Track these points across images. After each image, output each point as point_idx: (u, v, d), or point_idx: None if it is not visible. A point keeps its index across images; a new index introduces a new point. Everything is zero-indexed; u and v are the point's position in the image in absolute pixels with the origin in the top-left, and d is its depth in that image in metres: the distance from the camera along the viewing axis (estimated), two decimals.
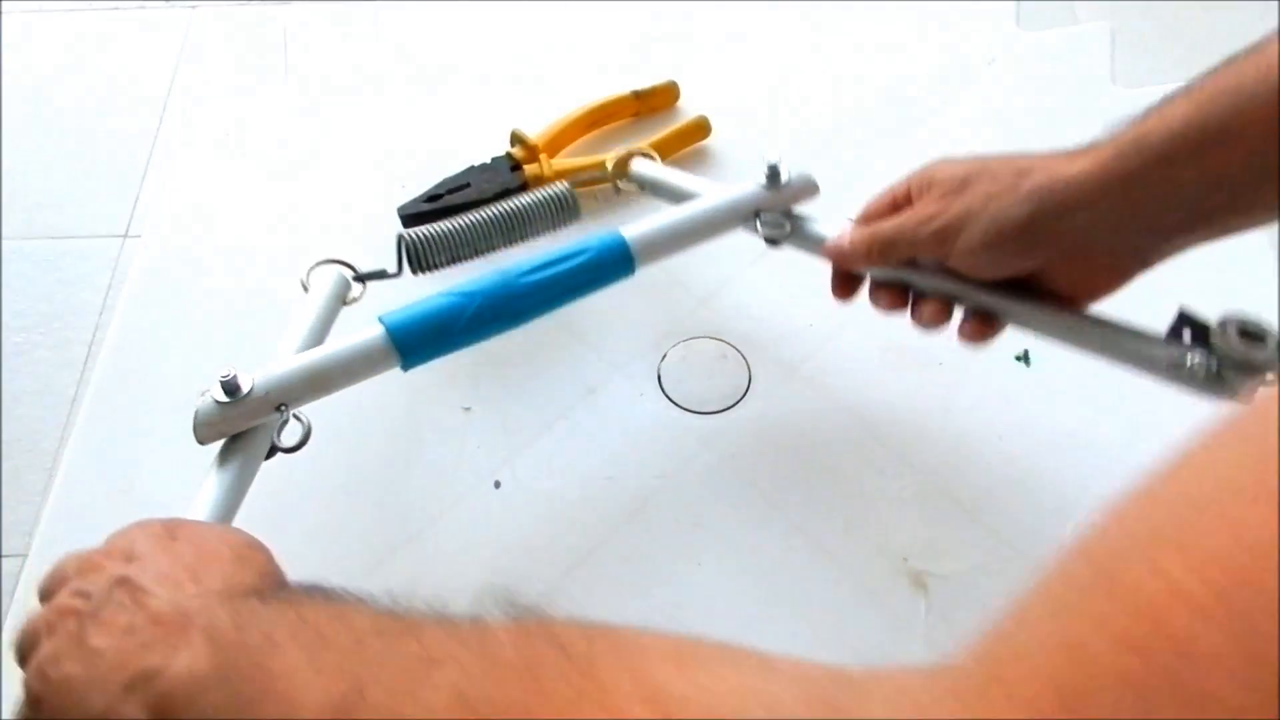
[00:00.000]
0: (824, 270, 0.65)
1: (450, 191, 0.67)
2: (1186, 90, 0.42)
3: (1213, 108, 0.40)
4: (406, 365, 0.50)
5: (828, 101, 0.76)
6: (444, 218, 0.68)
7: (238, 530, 0.41)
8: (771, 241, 0.57)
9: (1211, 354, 0.45)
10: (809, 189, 0.58)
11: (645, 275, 0.67)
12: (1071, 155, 0.45)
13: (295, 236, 0.69)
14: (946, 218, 0.49)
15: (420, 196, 0.67)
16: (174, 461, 0.58)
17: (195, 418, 0.45)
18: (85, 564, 0.36)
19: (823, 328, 0.63)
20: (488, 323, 0.51)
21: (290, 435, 0.47)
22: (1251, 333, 0.45)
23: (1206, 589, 0.15)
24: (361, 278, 0.58)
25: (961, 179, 0.49)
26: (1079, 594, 0.16)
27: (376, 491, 0.57)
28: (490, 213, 0.61)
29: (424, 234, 0.59)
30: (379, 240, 0.67)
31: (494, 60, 0.79)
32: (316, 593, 0.32)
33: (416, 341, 0.49)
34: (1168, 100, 0.43)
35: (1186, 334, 0.47)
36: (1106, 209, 0.44)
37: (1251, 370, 0.45)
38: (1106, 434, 0.58)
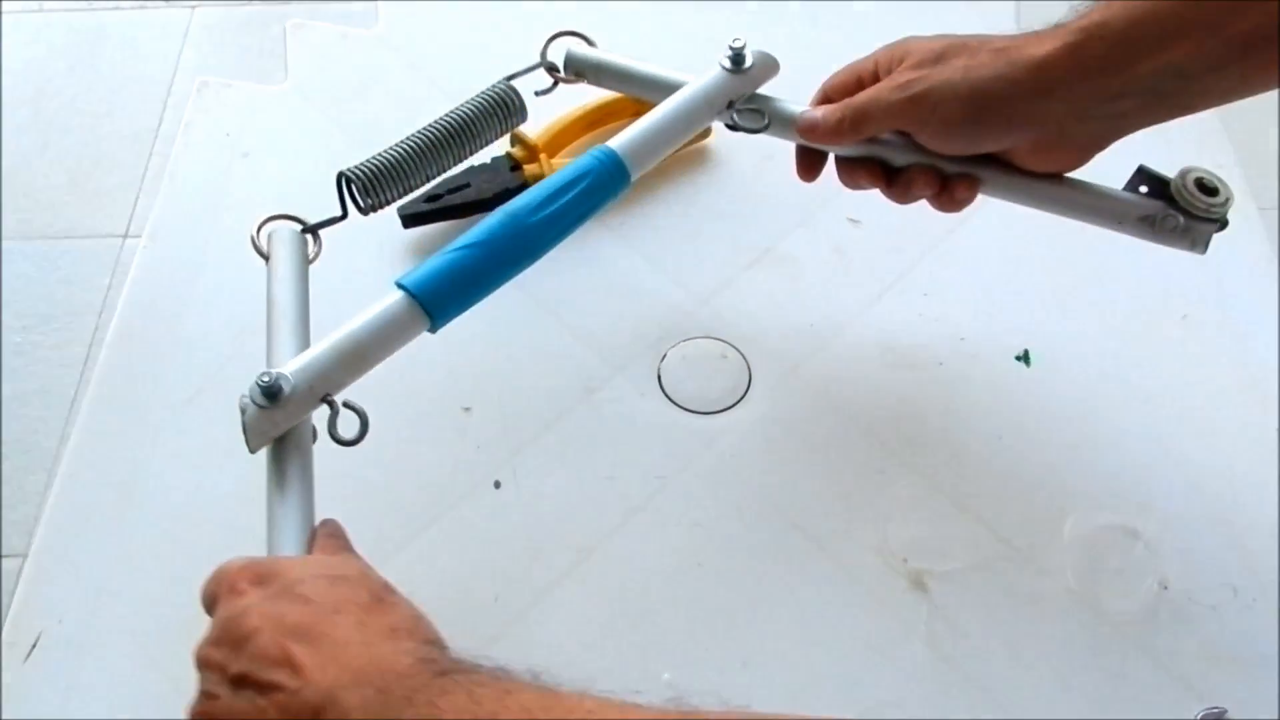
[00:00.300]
0: (824, 271, 0.66)
1: (450, 191, 0.67)
2: None
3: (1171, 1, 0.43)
4: (435, 326, 0.49)
5: None
6: (445, 217, 0.68)
7: (336, 561, 0.40)
8: (748, 131, 0.57)
9: (1174, 207, 0.50)
10: (771, 67, 0.58)
11: (645, 275, 0.67)
12: (1040, 36, 0.47)
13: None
14: (924, 85, 0.50)
15: (420, 196, 0.67)
16: (174, 461, 0.58)
17: (245, 429, 0.44)
18: (199, 658, 0.36)
19: (823, 328, 0.63)
20: (506, 266, 0.50)
21: (347, 428, 0.45)
22: (1207, 186, 0.49)
23: None
24: (310, 229, 0.56)
25: (939, 51, 0.50)
26: None
27: (376, 492, 0.57)
28: (437, 129, 0.58)
29: (371, 167, 0.56)
30: (380, 239, 0.68)
31: (493, 60, 0.79)
32: (458, 672, 0.32)
33: (442, 298, 0.48)
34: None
35: (1144, 189, 0.51)
36: (1070, 93, 0.46)
37: (1209, 220, 0.49)
38: (1106, 434, 0.58)
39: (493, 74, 0.79)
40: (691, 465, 0.58)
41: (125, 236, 0.76)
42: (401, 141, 0.58)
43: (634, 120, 0.74)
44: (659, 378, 0.61)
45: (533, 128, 0.70)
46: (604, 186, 0.53)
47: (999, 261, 0.65)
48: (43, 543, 0.56)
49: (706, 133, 0.73)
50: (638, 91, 0.61)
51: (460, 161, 0.60)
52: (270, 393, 0.44)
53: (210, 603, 0.38)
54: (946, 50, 0.50)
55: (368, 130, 0.75)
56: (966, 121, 0.49)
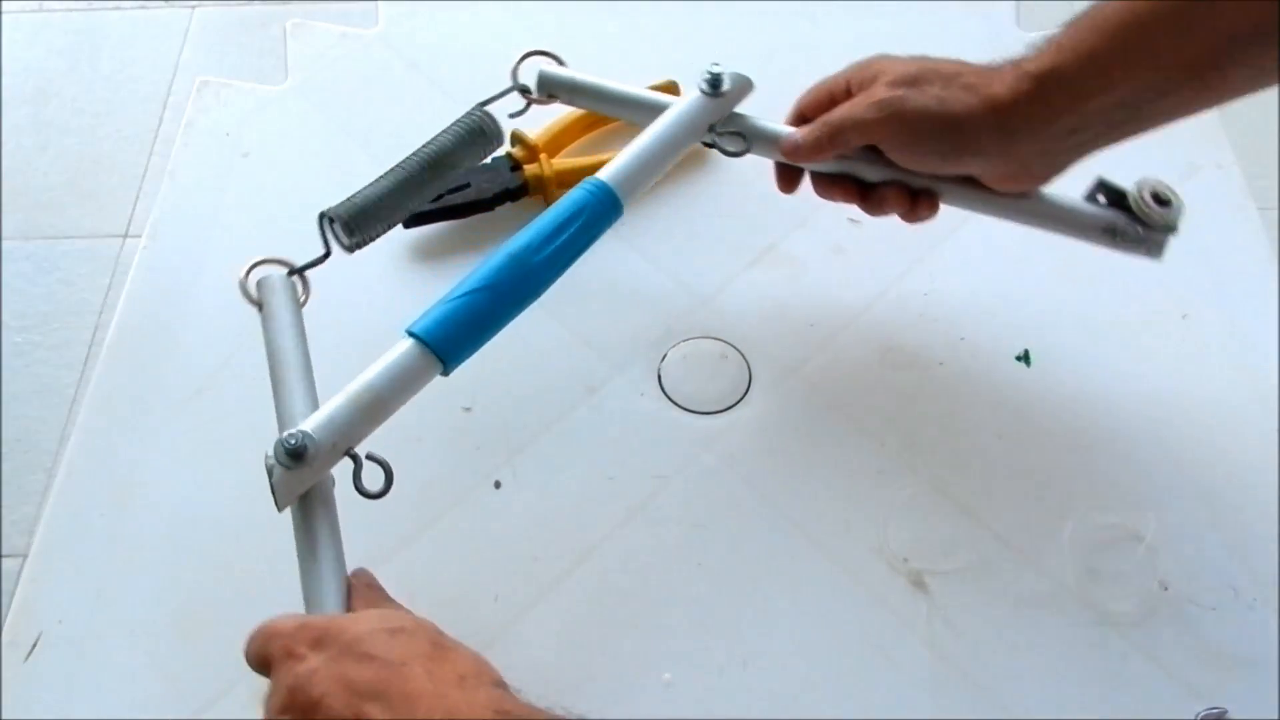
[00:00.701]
0: (824, 271, 0.66)
1: (451, 191, 0.67)
2: (1090, 18, 0.47)
3: (1115, 39, 0.46)
4: (448, 369, 0.49)
5: None
6: (446, 218, 0.68)
7: (399, 618, 0.39)
8: (732, 153, 0.58)
9: (1133, 217, 0.53)
10: (745, 87, 0.59)
11: (645, 275, 0.67)
12: (1002, 74, 0.50)
13: (295, 236, 0.69)
14: (899, 105, 0.51)
15: None
16: (174, 461, 0.58)
17: (273, 489, 0.44)
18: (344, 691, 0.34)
19: (823, 328, 0.63)
20: (512, 306, 0.52)
21: (373, 481, 0.46)
22: (1161, 197, 0.53)
23: None
24: (296, 271, 0.56)
25: (913, 75, 0.52)
26: None
27: None
28: (409, 164, 0.59)
29: (352, 206, 0.56)
30: (379, 239, 0.67)
31: (492, 59, 0.79)
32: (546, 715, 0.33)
33: (452, 343, 0.49)
34: (1075, 26, 0.48)
35: (1101, 198, 0.54)
36: (1031, 132, 0.49)
37: (1164, 229, 0.53)
38: (1106, 434, 0.58)
39: (492, 74, 0.79)
40: (691, 465, 0.58)
41: (125, 236, 0.76)
42: (380, 178, 0.58)
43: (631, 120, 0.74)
44: (659, 378, 0.61)
45: (533, 128, 0.70)
46: (600, 219, 0.54)
47: (999, 261, 0.65)
48: (43, 543, 0.56)
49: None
50: (612, 111, 0.63)
51: (440, 191, 0.62)
52: (296, 453, 0.44)
53: (261, 664, 0.38)
54: (920, 75, 0.52)
55: (368, 130, 0.75)
56: (938, 146, 0.52)
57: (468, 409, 0.60)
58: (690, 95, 0.58)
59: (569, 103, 0.63)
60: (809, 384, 0.61)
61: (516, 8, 0.82)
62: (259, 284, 0.54)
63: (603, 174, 0.54)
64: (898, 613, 0.52)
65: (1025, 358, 0.61)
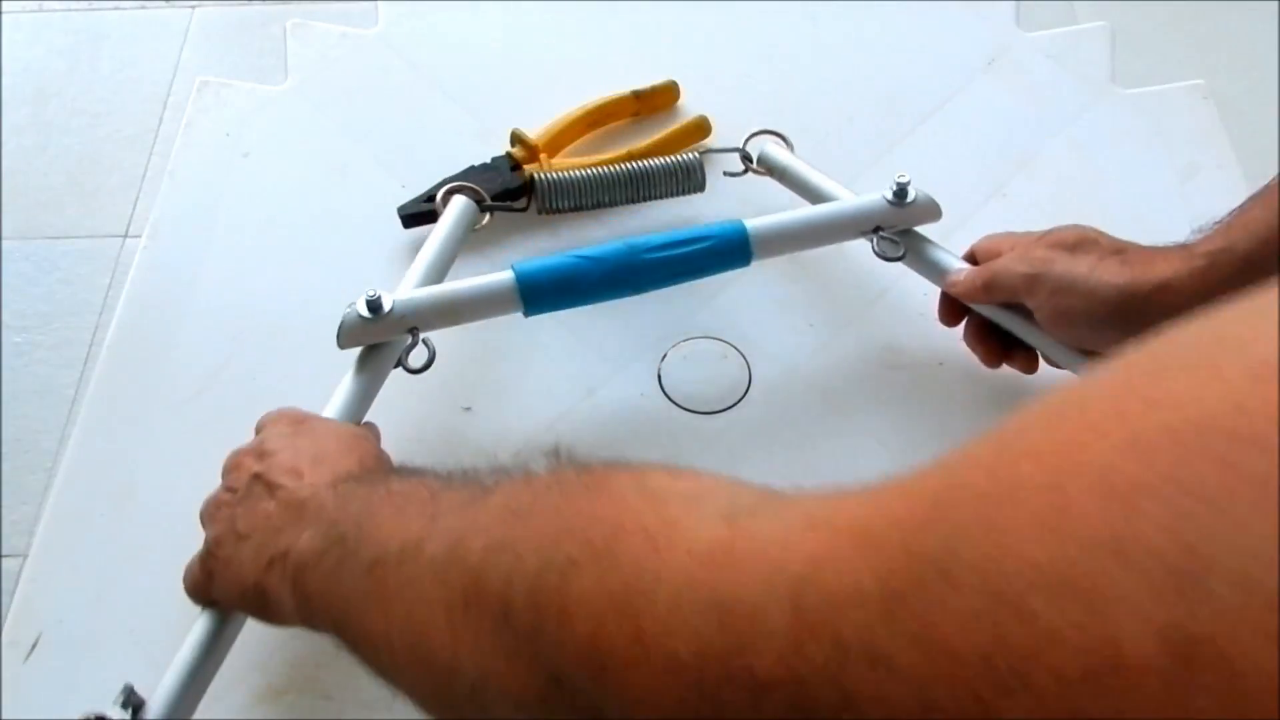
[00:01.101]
0: (823, 271, 0.66)
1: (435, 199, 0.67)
2: (1263, 196, 0.46)
3: None
4: (528, 312, 0.55)
5: (828, 101, 0.76)
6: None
7: (348, 426, 0.50)
8: (884, 258, 0.59)
9: None
10: (932, 211, 0.60)
11: None
12: (1167, 254, 0.48)
13: (296, 236, 0.69)
14: (1048, 267, 0.51)
15: (420, 196, 0.67)
16: (174, 461, 0.58)
17: (340, 326, 0.52)
18: (231, 463, 0.46)
19: (823, 328, 0.63)
20: (606, 288, 0.56)
21: (417, 359, 0.53)
22: None
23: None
24: (488, 207, 0.63)
25: (1074, 241, 0.51)
26: (977, 444, 0.19)
27: None
28: (619, 169, 0.65)
29: (554, 177, 0.64)
30: (380, 239, 0.68)
31: (493, 60, 0.79)
32: (403, 470, 0.41)
33: (541, 292, 0.54)
34: (1246, 208, 0.47)
35: None
36: (1189, 311, 0.47)
37: None
38: None
39: (492, 74, 0.79)
40: (691, 465, 0.58)
41: (125, 236, 0.76)
42: (592, 165, 0.66)
43: (633, 120, 0.74)
44: (659, 378, 0.61)
45: (533, 128, 0.70)
46: (723, 254, 0.57)
47: None
48: (43, 543, 0.56)
49: (706, 132, 0.73)
50: (811, 197, 0.65)
51: (631, 202, 0.66)
52: (372, 307, 0.52)
53: (258, 430, 0.49)
54: (1080, 242, 0.51)
55: (368, 130, 0.75)
56: (1082, 319, 0.50)
57: (467, 409, 0.60)
58: (873, 196, 0.59)
59: (779, 180, 0.67)
60: (809, 384, 0.61)
61: (516, 8, 0.82)
62: (450, 197, 0.63)
63: (749, 220, 0.57)
64: None
65: None
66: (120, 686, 0.45)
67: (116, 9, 0.92)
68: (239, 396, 0.60)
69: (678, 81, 0.75)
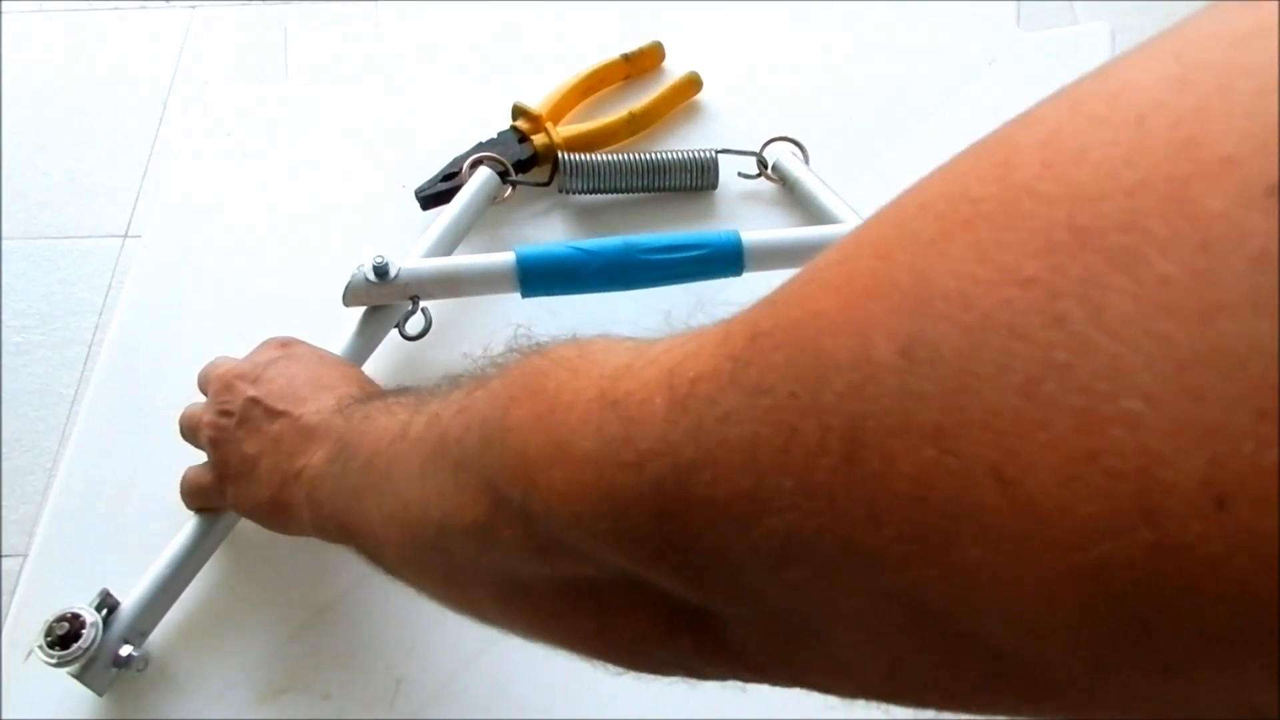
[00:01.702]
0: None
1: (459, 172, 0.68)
2: None
3: None
4: (526, 294, 0.58)
5: (826, 101, 0.76)
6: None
7: (332, 353, 0.52)
8: None
9: None
10: None
11: None
12: None
13: (296, 235, 0.69)
14: None
15: (436, 176, 0.68)
16: (174, 461, 0.58)
17: (347, 286, 0.56)
18: (219, 382, 0.48)
19: None
20: (601, 281, 0.58)
21: (414, 326, 0.57)
22: None
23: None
24: (513, 181, 0.67)
25: None
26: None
27: None
28: (637, 157, 0.68)
29: (577, 159, 0.67)
30: (380, 239, 0.67)
31: (493, 60, 0.79)
32: (400, 390, 0.42)
33: (538, 276, 0.57)
34: None
35: None
36: None
37: None
38: None
39: (492, 73, 0.79)
40: None
41: (125, 236, 0.76)
42: (614, 151, 0.69)
43: (625, 83, 0.76)
44: None
45: (532, 100, 0.71)
46: (716, 263, 0.59)
47: None
48: (43, 543, 0.56)
49: (697, 88, 0.75)
50: (816, 214, 0.66)
51: (647, 190, 0.69)
52: (379, 271, 0.55)
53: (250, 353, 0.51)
54: None
55: (368, 129, 0.75)
56: None
57: None
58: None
59: (788, 189, 0.69)
60: None
61: (516, 8, 0.82)
62: (475, 168, 0.66)
63: (746, 235, 0.59)
64: None
65: None
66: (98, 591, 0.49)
67: (116, 9, 0.92)
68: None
69: (661, 42, 0.78)
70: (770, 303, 0.22)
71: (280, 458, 0.44)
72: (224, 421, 0.47)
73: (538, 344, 0.32)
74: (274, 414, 0.45)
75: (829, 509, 0.18)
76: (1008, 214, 0.17)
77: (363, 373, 0.51)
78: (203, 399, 0.51)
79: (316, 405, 0.44)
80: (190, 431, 0.51)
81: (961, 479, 0.16)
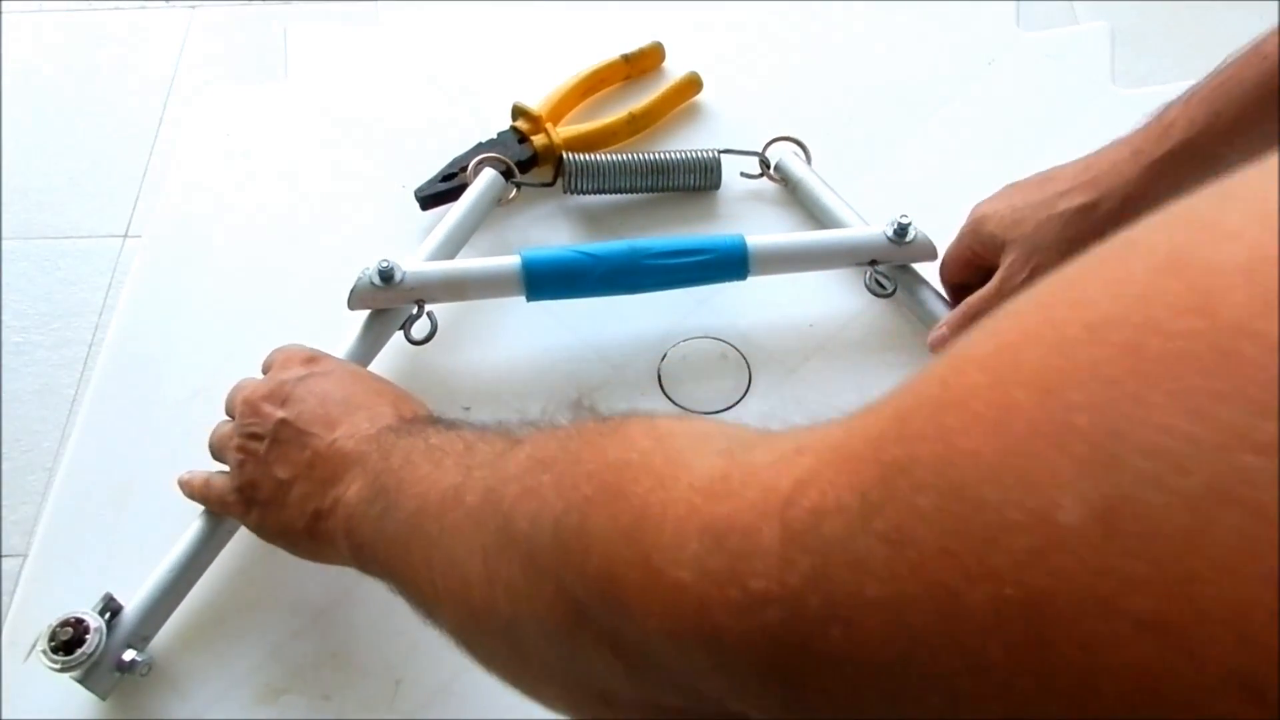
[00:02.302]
0: (824, 271, 0.66)
1: (464, 169, 0.67)
2: (1210, 94, 0.48)
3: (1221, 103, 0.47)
4: (530, 298, 0.58)
5: (826, 101, 0.76)
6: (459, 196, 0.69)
7: (359, 367, 0.51)
8: (874, 293, 0.62)
9: None
10: (928, 251, 0.62)
11: None
12: (1116, 164, 0.50)
13: (295, 236, 0.69)
14: (1030, 272, 0.53)
15: (436, 176, 0.67)
16: (174, 461, 0.58)
17: (353, 290, 0.56)
18: (247, 405, 0.46)
19: (823, 328, 0.63)
20: (606, 285, 0.58)
21: (420, 330, 0.57)
22: None
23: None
24: (517, 182, 0.67)
25: (1011, 221, 0.54)
26: (934, 362, 0.20)
27: None
28: (641, 158, 0.68)
29: (581, 160, 0.67)
30: (379, 239, 0.68)
31: (493, 60, 0.79)
32: (439, 422, 0.41)
33: (543, 281, 0.58)
34: (1189, 103, 0.49)
35: None
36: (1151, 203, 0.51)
37: None
38: None
39: (491, 74, 0.79)
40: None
41: (125, 236, 0.76)
42: (619, 151, 0.68)
43: (625, 84, 0.76)
44: (659, 378, 0.61)
45: (532, 100, 0.71)
46: (721, 267, 0.59)
47: None
48: (43, 543, 0.56)
49: (698, 88, 0.75)
50: (818, 215, 0.67)
51: (651, 191, 0.69)
52: (385, 275, 0.55)
53: (266, 367, 0.50)
54: (1029, 207, 0.54)
55: (368, 130, 0.75)
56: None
57: (467, 409, 0.60)
58: (873, 229, 0.61)
59: (791, 192, 0.69)
60: (809, 384, 0.61)
61: (516, 8, 0.82)
62: (479, 168, 0.66)
63: (751, 239, 0.59)
64: None
65: None
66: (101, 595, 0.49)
67: (116, 9, 0.92)
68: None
69: (662, 43, 0.78)
70: (898, 420, 0.19)
71: (313, 485, 0.42)
72: (253, 445, 0.45)
73: (603, 418, 0.30)
74: (306, 437, 0.43)
75: (1006, 693, 0.15)
76: (1223, 360, 0.14)
77: (395, 387, 0.48)
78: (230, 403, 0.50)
79: (350, 428, 0.43)
80: (218, 452, 0.49)
81: (1196, 686, 0.13)
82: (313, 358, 0.49)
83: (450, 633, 0.34)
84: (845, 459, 0.19)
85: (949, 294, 0.61)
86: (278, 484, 0.44)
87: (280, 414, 0.45)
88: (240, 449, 0.46)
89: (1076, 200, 0.52)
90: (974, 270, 0.59)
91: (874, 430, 0.19)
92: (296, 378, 0.47)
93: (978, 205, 0.58)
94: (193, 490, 0.51)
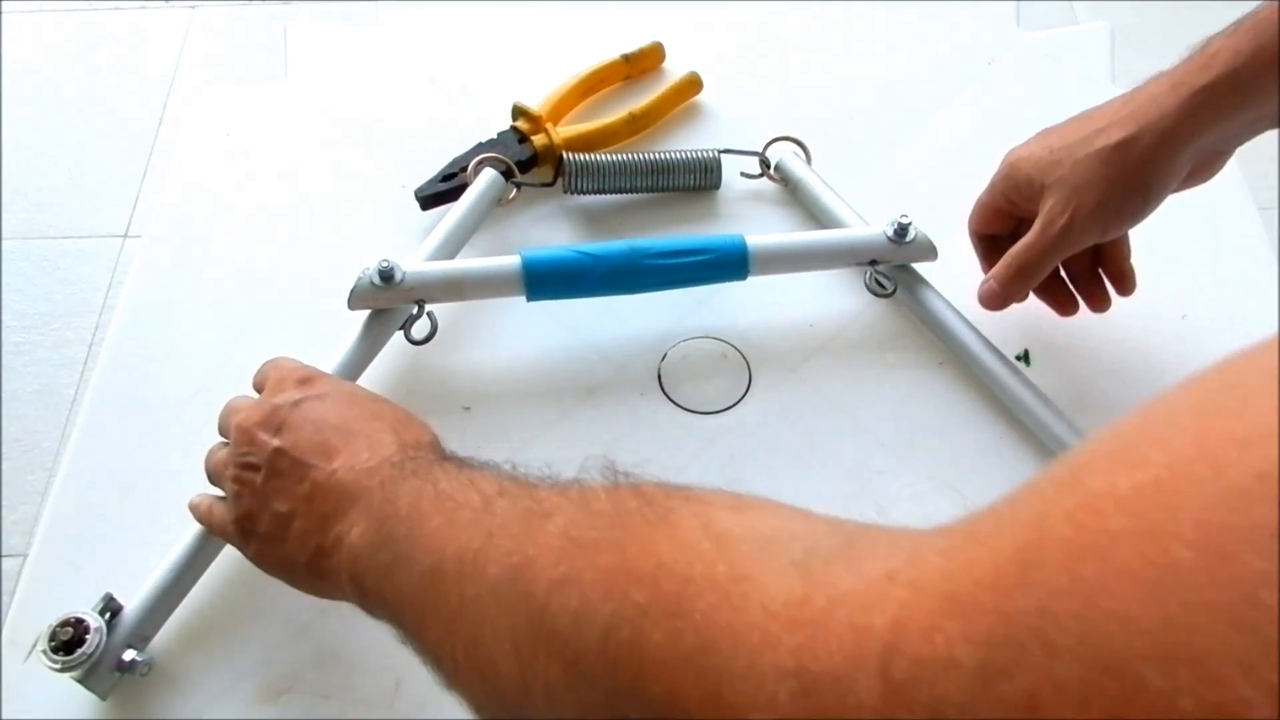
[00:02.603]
0: (824, 271, 0.66)
1: (464, 170, 0.67)
2: (1236, 28, 0.48)
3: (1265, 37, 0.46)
4: (531, 298, 0.58)
5: (826, 101, 0.76)
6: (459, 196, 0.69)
7: (356, 386, 0.48)
8: (874, 293, 0.62)
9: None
10: (929, 251, 0.61)
11: None
12: (1154, 98, 0.50)
13: (295, 236, 0.69)
14: (1071, 215, 0.52)
15: (436, 176, 0.67)
16: (174, 461, 0.58)
17: (353, 290, 0.56)
18: (240, 432, 0.44)
19: (823, 328, 0.63)
20: (605, 286, 0.58)
21: (420, 330, 0.57)
22: None
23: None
24: (517, 182, 0.67)
25: (1048, 163, 0.53)
26: (1055, 485, 0.18)
27: None
28: (641, 157, 0.68)
29: (581, 160, 0.67)
30: (380, 238, 0.68)
31: (493, 60, 0.79)
32: (447, 459, 0.40)
33: (543, 280, 0.58)
34: (1228, 37, 0.48)
35: None
36: (1193, 142, 0.49)
37: None
38: None
39: (492, 73, 0.79)
40: (691, 465, 0.58)
41: (125, 236, 0.76)
42: (619, 151, 0.68)
43: (625, 84, 0.76)
44: (659, 378, 0.61)
45: (532, 100, 0.71)
46: (721, 267, 0.59)
47: None
48: (43, 543, 0.56)
49: (698, 88, 0.75)
50: (818, 215, 0.67)
51: (651, 191, 0.69)
52: (385, 275, 0.55)
53: (259, 385, 0.48)
54: (1063, 149, 0.52)
55: (368, 130, 0.75)
56: (1131, 199, 0.52)
57: (467, 409, 0.60)
58: (873, 229, 0.61)
59: (791, 192, 0.69)
60: (809, 384, 0.61)
61: (516, 8, 0.82)
62: (479, 168, 0.66)
63: (750, 238, 0.59)
64: None
65: (1025, 357, 0.61)
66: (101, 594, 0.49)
67: (116, 9, 0.92)
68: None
69: (662, 43, 0.78)
70: (1021, 563, 0.16)
71: (313, 520, 0.40)
72: (249, 476, 0.43)
73: (646, 495, 0.27)
74: (303, 468, 0.41)
75: None
76: None
77: (395, 408, 0.45)
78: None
79: (348, 458, 0.40)
80: (214, 479, 0.47)
81: None
82: (307, 378, 0.46)
83: (472, 709, 0.32)
84: (953, 601, 0.17)
85: (976, 246, 0.61)
86: (276, 517, 0.42)
87: (275, 443, 0.42)
88: (236, 479, 0.44)
89: (1115, 136, 0.50)
90: (1006, 219, 0.58)
91: (988, 570, 0.17)
92: (291, 402, 0.44)
93: (1011, 151, 0.57)
94: (199, 516, 0.49)
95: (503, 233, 0.68)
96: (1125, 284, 0.58)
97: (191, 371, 0.62)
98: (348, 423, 0.42)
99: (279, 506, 0.41)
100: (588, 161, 0.67)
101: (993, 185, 0.57)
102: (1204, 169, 0.53)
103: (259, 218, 0.70)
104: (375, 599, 0.37)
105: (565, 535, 0.28)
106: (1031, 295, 0.59)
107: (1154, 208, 0.52)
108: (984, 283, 0.58)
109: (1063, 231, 0.52)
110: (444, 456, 0.41)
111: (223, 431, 0.47)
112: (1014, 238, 0.57)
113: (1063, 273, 0.59)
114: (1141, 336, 0.62)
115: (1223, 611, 0.13)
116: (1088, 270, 0.59)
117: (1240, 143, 0.52)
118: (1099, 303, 0.59)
